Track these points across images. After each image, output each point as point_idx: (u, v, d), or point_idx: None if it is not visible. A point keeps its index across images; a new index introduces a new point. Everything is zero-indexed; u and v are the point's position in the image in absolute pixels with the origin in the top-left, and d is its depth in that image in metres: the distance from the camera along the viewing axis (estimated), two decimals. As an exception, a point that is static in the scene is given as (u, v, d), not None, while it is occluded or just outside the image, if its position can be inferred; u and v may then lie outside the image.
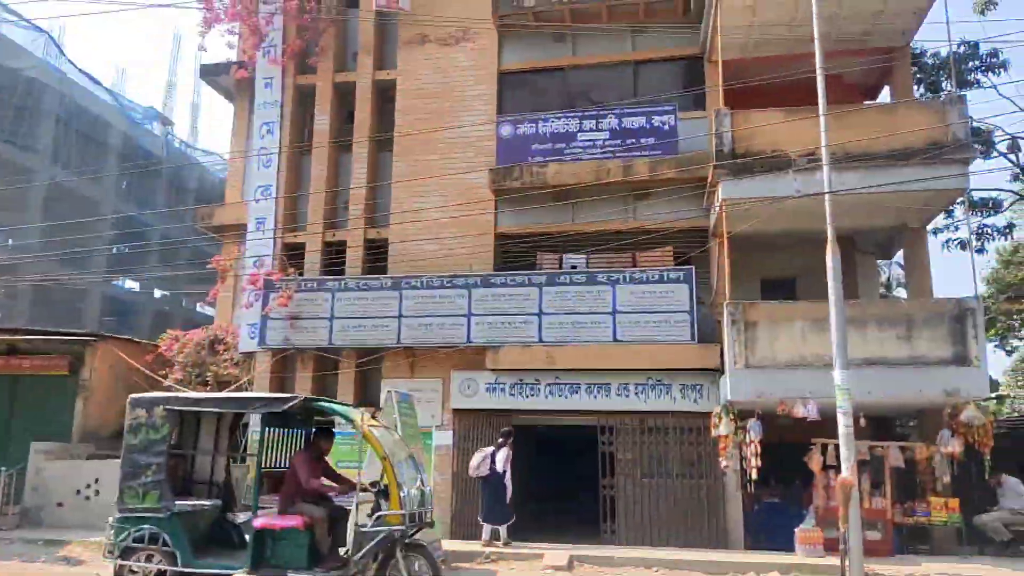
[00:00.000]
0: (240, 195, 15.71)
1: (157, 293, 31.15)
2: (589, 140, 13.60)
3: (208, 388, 14.36)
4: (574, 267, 13.47)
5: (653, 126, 13.36)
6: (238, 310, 15.06)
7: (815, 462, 11.04)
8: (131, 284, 30.32)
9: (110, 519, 8.51)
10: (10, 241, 24.56)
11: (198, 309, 30.82)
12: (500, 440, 12.06)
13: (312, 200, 14.96)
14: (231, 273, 14.94)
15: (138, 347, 15.85)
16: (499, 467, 11.72)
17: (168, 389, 14.36)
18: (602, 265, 13.37)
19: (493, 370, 13.05)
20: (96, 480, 13.25)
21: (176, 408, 8.65)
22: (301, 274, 14.36)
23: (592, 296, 12.87)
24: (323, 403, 9.29)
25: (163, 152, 28.39)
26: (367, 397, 14.07)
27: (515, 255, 13.95)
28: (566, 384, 12.90)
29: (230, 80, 16.19)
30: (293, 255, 14.82)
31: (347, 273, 14.35)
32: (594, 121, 13.66)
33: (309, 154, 15.33)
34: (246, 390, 14.29)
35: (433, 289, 13.42)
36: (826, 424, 10.20)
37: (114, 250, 25.80)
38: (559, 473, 16.68)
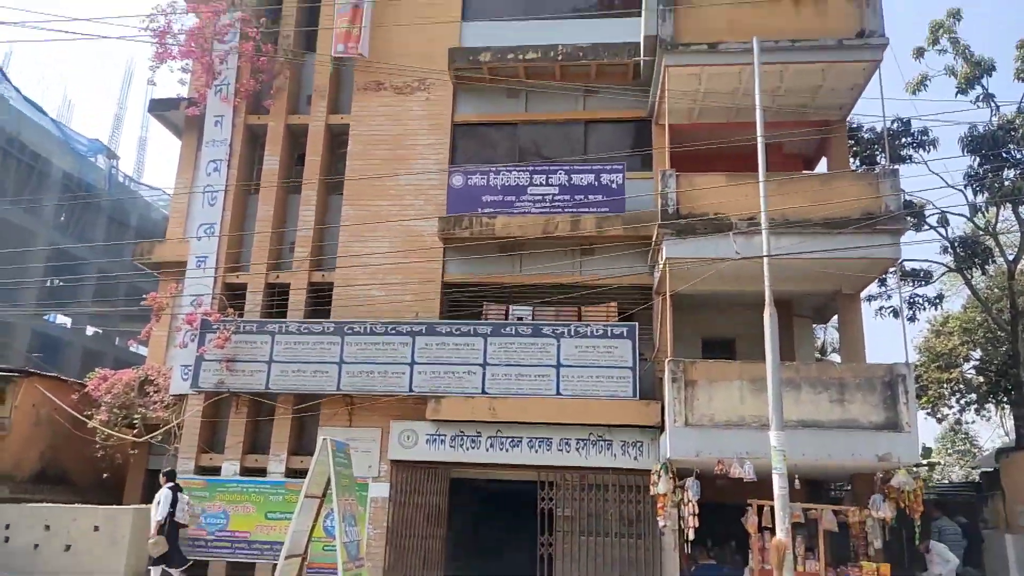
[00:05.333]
0: (182, 232, 15.37)
1: (89, 330, 30.04)
2: (539, 194, 13.77)
3: (135, 431, 13.78)
4: (520, 318, 13.47)
5: (601, 184, 13.61)
6: (172, 350, 14.58)
7: (751, 523, 11.05)
8: (62, 320, 29.20)
9: None
10: (-66, 269, 23.45)
11: (130, 348, 29.79)
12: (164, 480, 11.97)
13: (257, 240, 14.71)
14: (167, 311, 14.48)
15: (64, 385, 15.17)
16: (162, 511, 11.57)
17: (92, 431, 13.74)
18: (548, 318, 13.39)
19: (434, 421, 12.84)
20: (7, 526, 12.46)
21: None
22: (240, 315, 14.02)
23: (537, 348, 12.86)
24: None
25: (106, 186, 27.69)
26: (303, 445, 13.67)
27: (461, 304, 13.89)
28: (507, 438, 12.75)
29: (179, 116, 16.00)
30: (233, 296, 14.49)
31: (289, 316, 14.07)
32: (544, 176, 13.86)
33: (256, 194, 15.14)
34: (175, 434, 13.76)
35: (376, 335, 13.23)
36: (762, 485, 10.25)
37: (48, 283, 24.89)
38: (499, 528, 16.34)
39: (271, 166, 15.09)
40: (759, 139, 10.28)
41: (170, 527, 11.60)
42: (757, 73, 10.50)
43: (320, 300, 14.33)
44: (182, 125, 16.26)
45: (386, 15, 15.25)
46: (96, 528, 12.03)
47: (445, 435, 12.90)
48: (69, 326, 29.37)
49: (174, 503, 11.71)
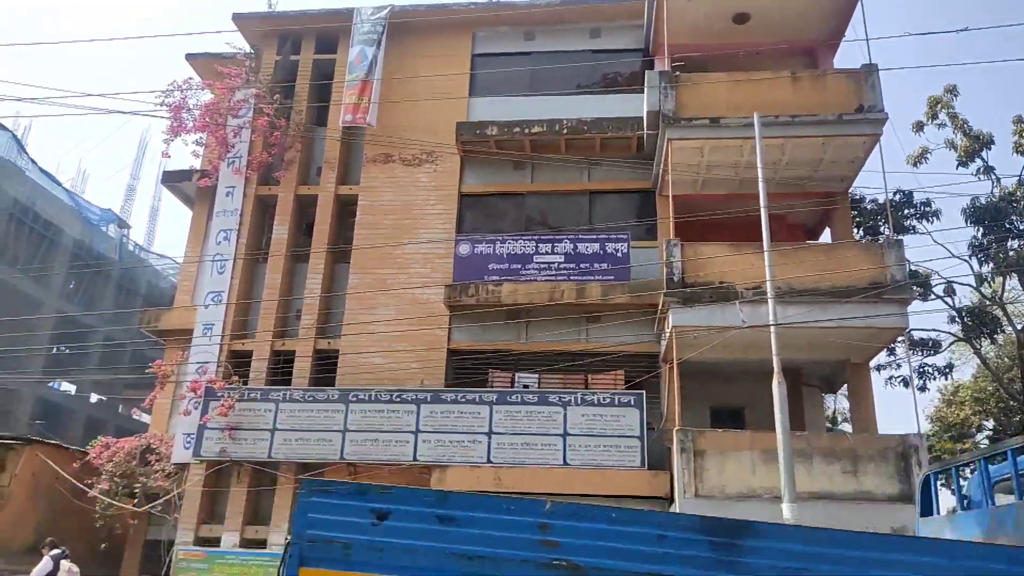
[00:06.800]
0: (191, 300, 15.47)
1: (93, 398, 29.88)
2: (544, 262, 13.87)
3: (135, 502, 13.56)
4: (526, 386, 13.39)
5: (607, 252, 13.72)
6: (175, 418, 14.47)
7: (764, 600, 10.70)
8: (67, 386, 29.09)
9: None
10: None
11: (133, 416, 29.58)
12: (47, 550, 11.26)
13: (264, 308, 14.78)
14: (171, 379, 14.45)
15: (66, 453, 15.00)
16: None
17: (92, 500, 13.51)
18: (554, 386, 13.30)
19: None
20: (-3, 601, 12.17)
21: None
22: (245, 383, 13.97)
23: (543, 417, 12.72)
24: None
25: (116, 254, 27.98)
26: (304, 516, 13.40)
27: (467, 372, 13.83)
28: (512, 509, 12.47)
29: (191, 187, 16.31)
30: (238, 363, 14.46)
31: (294, 383, 14.01)
32: (550, 245, 13.99)
33: (264, 263, 15.29)
34: (175, 504, 13.53)
35: (381, 403, 13.14)
36: (775, 560, 9.96)
37: (53, 350, 24.88)
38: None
39: (280, 235, 15.29)
40: (762, 209, 10.39)
41: None
42: (759, 147, 10.71)
43: (325, 367, 14.30)
44: (194, 195, 16.57)
45: (395, 90, 15.69)
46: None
47: (450, 506, 12.63)
48: (73, 393, 29.24)
49: (52, 573, 11.20)
